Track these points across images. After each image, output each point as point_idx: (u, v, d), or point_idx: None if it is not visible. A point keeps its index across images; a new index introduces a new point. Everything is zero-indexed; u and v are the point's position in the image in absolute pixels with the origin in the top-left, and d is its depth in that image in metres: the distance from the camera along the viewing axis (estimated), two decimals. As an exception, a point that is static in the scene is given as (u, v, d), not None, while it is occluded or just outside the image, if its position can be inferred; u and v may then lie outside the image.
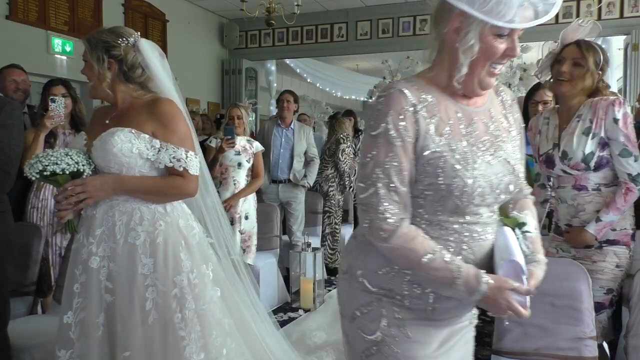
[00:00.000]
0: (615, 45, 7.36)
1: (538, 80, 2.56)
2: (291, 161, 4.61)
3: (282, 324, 3.71)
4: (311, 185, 4.81)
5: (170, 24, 7.28)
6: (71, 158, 1.68)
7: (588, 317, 2.04)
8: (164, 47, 7.16)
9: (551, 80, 2.24)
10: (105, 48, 1.78)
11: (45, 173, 1.66)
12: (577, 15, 6.52)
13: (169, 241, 1.75)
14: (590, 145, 2.08)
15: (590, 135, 2.08)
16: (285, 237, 4.85)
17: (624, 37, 6.67)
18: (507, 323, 2.03)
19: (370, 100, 9.20)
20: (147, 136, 1.73)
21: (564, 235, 2.25)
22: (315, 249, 4.12)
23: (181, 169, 1.75)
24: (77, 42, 5.88)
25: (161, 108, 1.77)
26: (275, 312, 3.96)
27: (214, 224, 2.03)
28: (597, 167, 2.12)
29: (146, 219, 1.74)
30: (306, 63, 10.45)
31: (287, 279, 4.30)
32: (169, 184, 1.76)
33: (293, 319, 3.83)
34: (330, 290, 4.56)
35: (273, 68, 9.51)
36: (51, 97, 3.00)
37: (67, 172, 1.68)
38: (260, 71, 9.01)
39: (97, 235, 1.73)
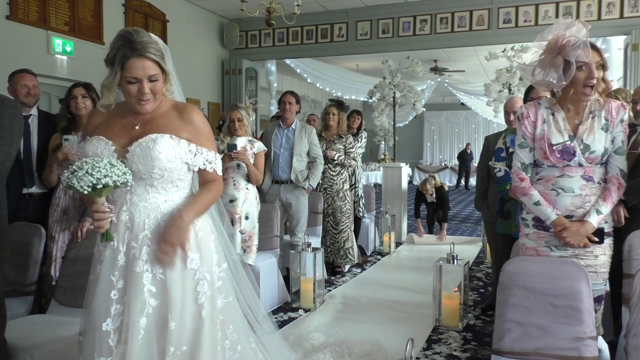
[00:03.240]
0: (615, 45, 7.37)
1: None
2: (291, 160, 4.61)
3: (282, 324, 3.71)
4: (313, 187, 4.78)
5: (171, 24, 7.29)
6: (118, 168, 1.65)
7: (588, 317, 2.04)
8: (164, 47, 7.16)
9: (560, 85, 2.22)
10: (165, 57, 1.78)
11: (98, 187, 1.61)
12: (577, 16, 6.52)
13: (206, 235, 1.83)
14: (607, 142, 2.21)
15: (609, 132, 2.21)
16: (286, 237, 4.85)
17: (624, 37, 6.67)
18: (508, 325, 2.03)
19: (370, 100, 9.20)
20: (185, 142, 1.79)
21: (550, 230, 2.26)
22: (315, 249, 4.12)
23: (212, 170, 1.84)
24: (77, 42, 5.89)
25: (193, 115, 1.83)
26: (275, 312, 3.96)
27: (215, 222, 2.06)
28: (604, 162, 2.25)
29: None
30: (306, 63, 10.45)
31: (287, 279, 4.30)
32: (214, 192, 1.85)
33: (293, 319, 3.83)
34: (330, 291, 4.56)
35: (273, 68, 9.52)
36: (65, 136, 3.07)
37: (119, 184, 1.65)
38: (260, 71, 9.01)
39: (140, 240, 1.73)
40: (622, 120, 2.22)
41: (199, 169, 1.84)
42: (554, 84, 2.17)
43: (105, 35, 6.23)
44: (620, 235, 2.57)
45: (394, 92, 8.20)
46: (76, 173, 1.61)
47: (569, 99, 2.23)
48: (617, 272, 2.46)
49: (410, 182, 7.74)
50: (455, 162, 17.92)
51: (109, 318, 1.70)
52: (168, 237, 1.70)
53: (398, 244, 6.72)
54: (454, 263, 3.66)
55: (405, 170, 7.18)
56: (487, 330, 3.57)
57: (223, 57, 8.49)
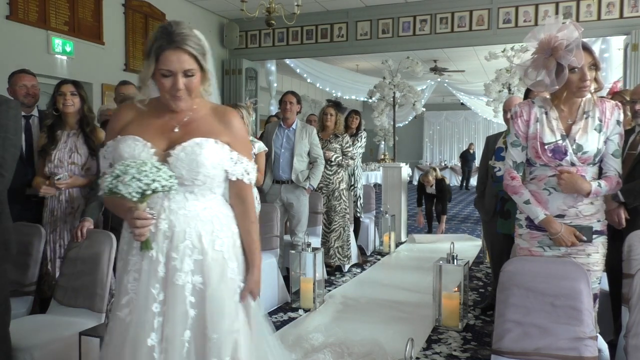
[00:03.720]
0: (615, 45, 7.37)
1: None
2: (291, 160, 4.61)
3: (282, 324, 3.71)
4: (314, 187, 4.78)
5: (171, 24, 7.27)
6: (164, 172, 1.53)
7: (588, 317, 2.05)
8: (164, 47, 7.16)
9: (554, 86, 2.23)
10: (207, 55, 1.66)
11: (147, 192, 1.49)
12: (577, 15, 6.52)
13: (239, 242, 1.77)
14: (600, 142, 2.21)
15: (602, 132, 2.20)
16: (286, 237, 4.85)
17: (624, 37, 6.67)
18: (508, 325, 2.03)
19: (370, 100, 9.19)
20: (227, 147, 1.69)
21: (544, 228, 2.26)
22: (315, 249, 4.12)
23: (249, 182, 1.75)
24: (78, 42, 5.89)
25: (233, 120, 1.73)
26: (275, 312, 3.96)
27: None
28: (596, 162, 2.25)
29: (225, 224, 1.72)
30: (306, 63, 10.45)
31: (287, 279, 4.30)
32: (253, 209, 1.80)
33: (293, 319, 3.83)
34: (330, 291, 4.56)
35: (273, 68, 9.52)
36: (57, 176, 3.01)
37: (166, 189, 1.53)
38: (260, 71, 9.01)
39: (180, 250, 1.64)
40: (618, 122, 2.22)
41: (237, 179, 1.73)
42: (548, 86, 2.18)
43: (105, 35, 6.24)
44: (620, 235, 2.57)
45: (394, 92, 8.19)
46: (121, 178, 1.47)
47: (563, 100, 2.23)
48: (617, 272, 2.46)
49: (410, 182, 7.74)
50: (455, 162, 17.93)
51: (152, 332, 1.61)
52: (253, 292, 1.74)
53: (398, 244, 6.73)
54: (454, 263, 3.66)
55: (405, 170, 7.19)
56: (487, 330, 3.57)
57: (223, 57, 8.49)
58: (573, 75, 2.14)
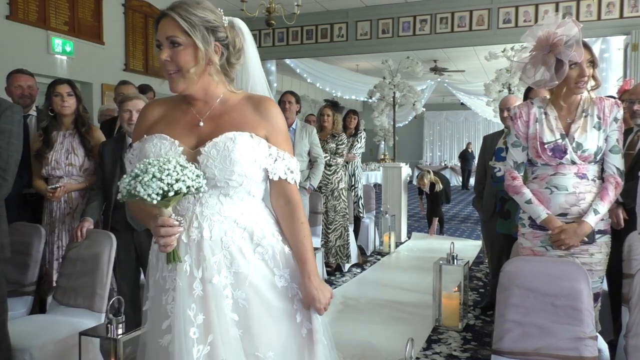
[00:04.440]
0: (615, 45, 7.36)
1: None
2: (291, 160, 4.60)
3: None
4: (315, 187, 4.78)
5: (170, 24, 7.27)
6: (190, 170, 1.32)
7: (588, 317, 2.04)
8: (164, 47, 7.16)
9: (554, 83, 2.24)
10: (210, 28, 1.42)
11: (170, 194, 1.28)
12: (577, 15, 6.52)
13: (288, 249, 1.55)
14: (601, 140, 2.21)
15: (602, 130, 2.21)
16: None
17: (624, 37, 6.67)
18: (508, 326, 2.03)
19: (370, 100, 9.20)
20: (265, 142, 1.47)
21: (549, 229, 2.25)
22: (315, 249, 4.11)
23: (293, 181, 1.52)
24: (77, 42, 5.89)
25: (271, 109, 1.50)
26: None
27: None
28: (598, 160, 2.25)
29: (267, 230, 1.51)
30: (306, 63, 10.45)
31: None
32: (302, 212, 1.56)
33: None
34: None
35: (273, 68, 9.52)
36: (51, 186, 3.01)
37: (192, 190, 1.32)
38: (261, 71, 9.00)
39: (217, 263, 1.42)
40: (615, 119, 2.22)
41: (279, 178, 1.49)
42: (547, 82, 2.20)
43: (105, 35, 6.24)
44: (620, 235, 2.57)
45: (394, 92, 8.19)
46: (140, 178, 1.27)
47: (562, 97, 2.24)
48: (617, 272, 2.46)
49: (410, 182, 7.75)
50: (455, 162, 17.93)
51: None
52: (315, 302, 1.49)
53: (398, 244, 6.73)
54: (454, 263, 3.66)
55: (405, 170, 7.19)
56: (487, 330, 3.57)
57: (223, 57, 8.48)
58: (572, 71, 2.15)
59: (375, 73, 10.18)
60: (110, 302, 2.18)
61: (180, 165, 1.30)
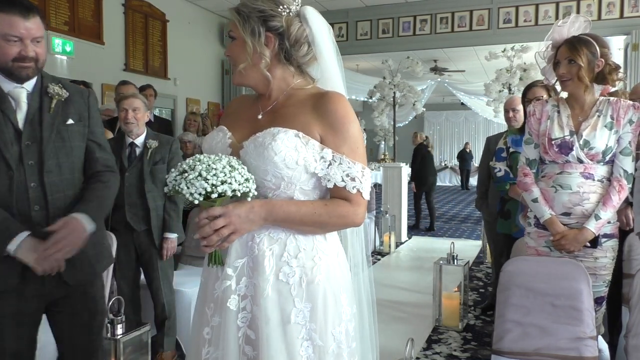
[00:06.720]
0: (615, 45, 7.36)
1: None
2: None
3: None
4: None
5: (170, 24, 7.28)
6: (239, 173, 1.20)
7: (588, 317, 2.04)
8: (164, 47, 7.17)
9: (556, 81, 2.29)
10: (262, 18, 1.31)
11: (213, 195, 1.18)
12: (577, 15, 6.52)
13: (331, 282, 1.32)
14: (611, 140, 2.19)
15: (613, 130, 2.18)
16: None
17: (624, 37, 6.67)
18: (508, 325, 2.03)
19: (370, 100, 9.20)
20: (317, 143, 1.28)
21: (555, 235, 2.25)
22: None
23: (354, 190, 1.29)
24: (77, 42, 5.89)
25: (331, 105, 1.30)
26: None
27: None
28: (608, 161, 2.21)
29: (302, 251, 1.30)
30: (306, 63, 10.42)
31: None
32: (330, 212, 1.29)
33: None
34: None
35: (273, 68, 9.52)
36: None
37: (239, 194, 1.20)
38: (260, 71, 9.00)
39: (237, 268, 1.29)
40: (630, 121, 2.18)
41: (335, 185, 1.29)
42: (548, 79, 2.29)
43: (105, 35, 6.23)
44: (620, 236, 2.56)
45: (394, 92, 8.20)
46: (186, 175, 1.18)
47: (576, 96, 2.25)
48: (617, 272, 2.46)
49: (410, 182, 7.76)
50: (455, 162, 17.92)
51: None
52: (231, 209, 1.23)
53: (398, 244, 6.73)
54: (454, 263, 3.66)
55: (405, 170, 7.19)
56: (487, 330, 3.57)
57: (223, 57, 8.48)
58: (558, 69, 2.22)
59: (375, 73, 10.17)
60: (110, 302, 2.18)
61: (230, 166, 1.20)
